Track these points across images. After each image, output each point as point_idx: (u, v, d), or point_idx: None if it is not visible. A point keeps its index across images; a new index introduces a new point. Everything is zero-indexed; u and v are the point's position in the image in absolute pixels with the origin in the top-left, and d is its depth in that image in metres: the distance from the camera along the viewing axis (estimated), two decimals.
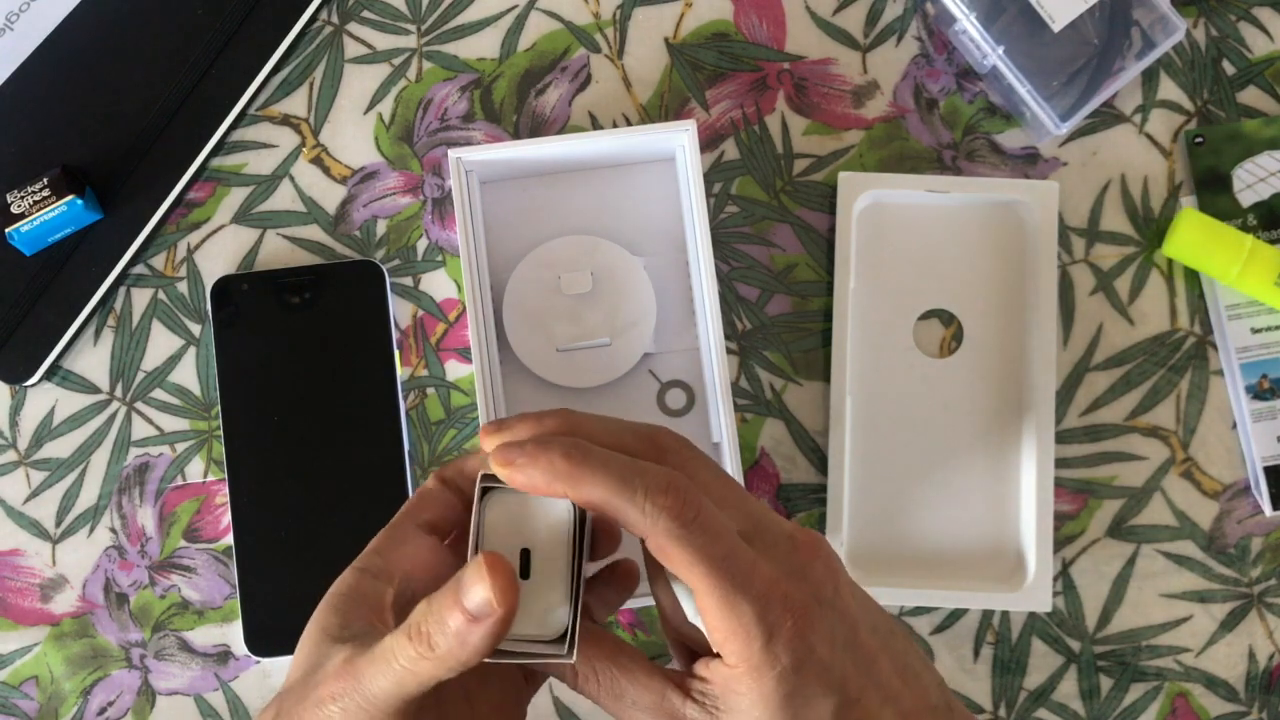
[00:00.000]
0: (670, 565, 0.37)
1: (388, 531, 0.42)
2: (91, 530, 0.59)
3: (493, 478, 0.39)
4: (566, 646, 0.39)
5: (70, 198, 0.56)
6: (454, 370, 0.59)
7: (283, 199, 0.60)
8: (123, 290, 0.60)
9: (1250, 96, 0.60)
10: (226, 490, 0.58)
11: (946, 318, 0.60)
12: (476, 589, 0.36)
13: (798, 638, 0.37)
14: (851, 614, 0.39)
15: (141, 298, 0.60)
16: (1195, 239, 0.58)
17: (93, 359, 0.59)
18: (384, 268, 0.59)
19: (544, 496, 0.39)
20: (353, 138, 0.60)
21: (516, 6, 0.60)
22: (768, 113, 0.60)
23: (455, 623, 0.37)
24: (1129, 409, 0.59)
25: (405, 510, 0.43)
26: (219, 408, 0.58)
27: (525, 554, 0.39)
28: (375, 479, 0.58)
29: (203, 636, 0.58)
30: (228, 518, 0.58)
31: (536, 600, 0.39)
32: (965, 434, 0.59)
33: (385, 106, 0.60)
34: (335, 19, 0.60)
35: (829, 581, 0.39)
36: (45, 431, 0.59)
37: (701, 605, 0.37)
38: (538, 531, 0.39)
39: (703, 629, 0.38)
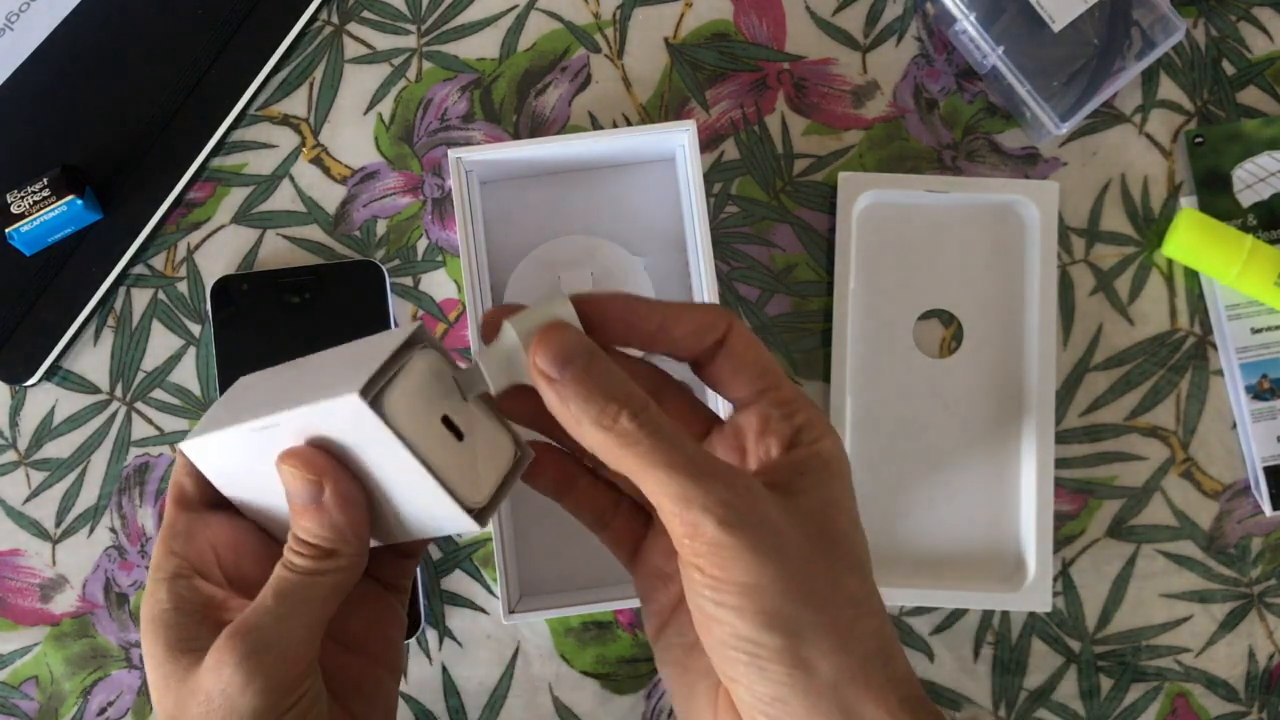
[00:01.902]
0: (757, 353, 0.38)
1: (168, 530, 0.40)
2: (91, 530, 0.59)
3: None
4: (478, 514, 0.38)
5: (70, 198, 0.56)
6: None
7: (283, 199, 0.60)
8: (123, 290, 0.60)
9: (1250, 96, 0.60)
10: None
11: (946, 318, 0.60)
12: (293, 484, 0.37)
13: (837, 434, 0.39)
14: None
15: (141, 298, 0.60)
16: (1195, 239, 0.58)
17: (93, 359, 0.59)
18: (384, 268, 0.59)
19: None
20: (353, 138, 0.60)
21: (516, 6, 0.60)
22: (768, 113, 0.60)
23: (306, 522, 0.37)
24: (1129, 409, 0.59)
25: (173, 499, 0.41)
26: None
27: (447, 420, 0.38)
28: None
29: None
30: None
31: (467, 462, 0.38)
32: (965, 434, 0.59)
33: (385, 106, 0.60)
34: (335, 19, 0.60)
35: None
36: (45, 431, 0.59)
37: (776, 395, 0.38)
38: (453, 394, 0.38)
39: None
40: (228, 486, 0.41)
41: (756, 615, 0.34)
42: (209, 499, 0.41)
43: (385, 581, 0.43)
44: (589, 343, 0.35)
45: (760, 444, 0.39)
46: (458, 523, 0.38)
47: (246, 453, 0.39)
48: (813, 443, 0.37)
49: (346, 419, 0.37)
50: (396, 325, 0.59)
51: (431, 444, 0.37)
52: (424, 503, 0.38)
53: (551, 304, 0.37)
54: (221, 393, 0.58)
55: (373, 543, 0.40)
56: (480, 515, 0.38)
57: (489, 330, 0.37)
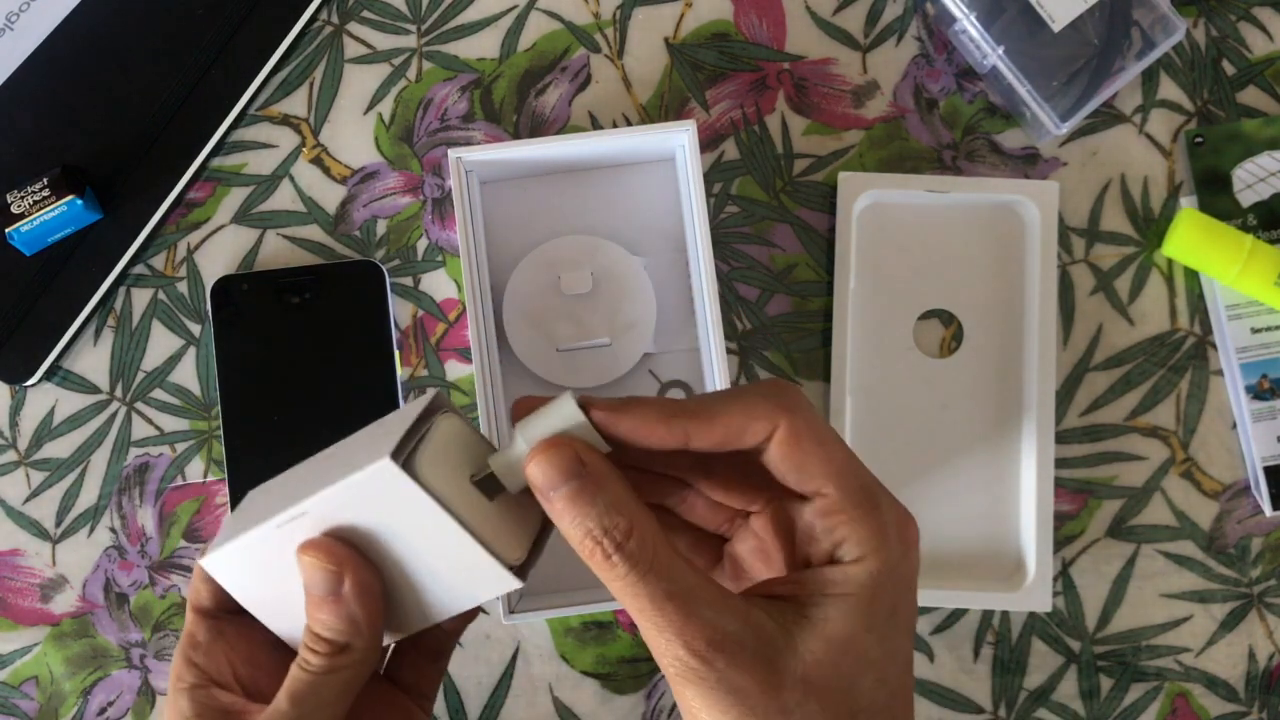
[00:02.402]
0: (803, 456, 0.36)
1: (188, 640, 0.40)
2: (91, 530, 0.59)
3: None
4: (519, 570, 0.37)
5: (70, 198, 0.56)
6: (454, 370, 0.59)
7: (283, 199, 0.60)
8: (123, 290, 0.60)
9: (1250, 96, 0.60)
10: (226, 490, 0.58)
11: (946, 318, 0.60)
12: (312, 575, 0.37)
13: (910, 558, 0.36)
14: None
15: (141, 298, 0.60)
16: (1195, 239, 0.58)
17: (93, 359, 0.59)
18: (384, 268, 0.59)
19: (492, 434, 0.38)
20: (353, 138, 0.60)
21: (516, 6, 0.60)
22: (768, 113, 0.60)
23: (323, 615, 0.37)
24: (1129, 409, 0.59)
25: (191, 607, 0.41)
26: (219, 408, 0.58)
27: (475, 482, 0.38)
28: None
29: None
30: (228, 518, 0.58)
31: (501, 521, 0.38)
32: (965, 434, 0.59)
33: (385, 106, 0.60)
34: (335, 19, 0.60)
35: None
36: (45, 431, 0.59)
37: (824, 504, 0.36)
38: (478, 458, 0.38)
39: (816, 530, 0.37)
40: (247, 597, 0.41)
41: None
42: (227, 604, 0.41)
43: (410, 687, 0.43)
44: (580, 466, 0.35)
45: (786, 552, 0.39)
46: (497, 581, 0.37)
47: (267, 555, 0.39)
48: (852, 562, 0.36)
49: (377, 489, 0.37)
50: (396, 325, 0.59)
51: (465, 503, 0.37)
52: (460, 566, 0.38)
53: (560, 408, 0.36)
54: (221, 393, 0.58)
55: (399, 636, 0.40)
56: (520, 571, 0.38)
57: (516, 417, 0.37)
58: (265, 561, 0.40)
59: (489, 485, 0.38)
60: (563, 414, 0.36)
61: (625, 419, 0.36)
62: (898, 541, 0.36)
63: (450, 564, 0.38)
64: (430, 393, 0.39)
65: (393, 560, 0.39)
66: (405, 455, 0.37)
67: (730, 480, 0.40)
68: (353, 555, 0.37)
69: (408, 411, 0.39)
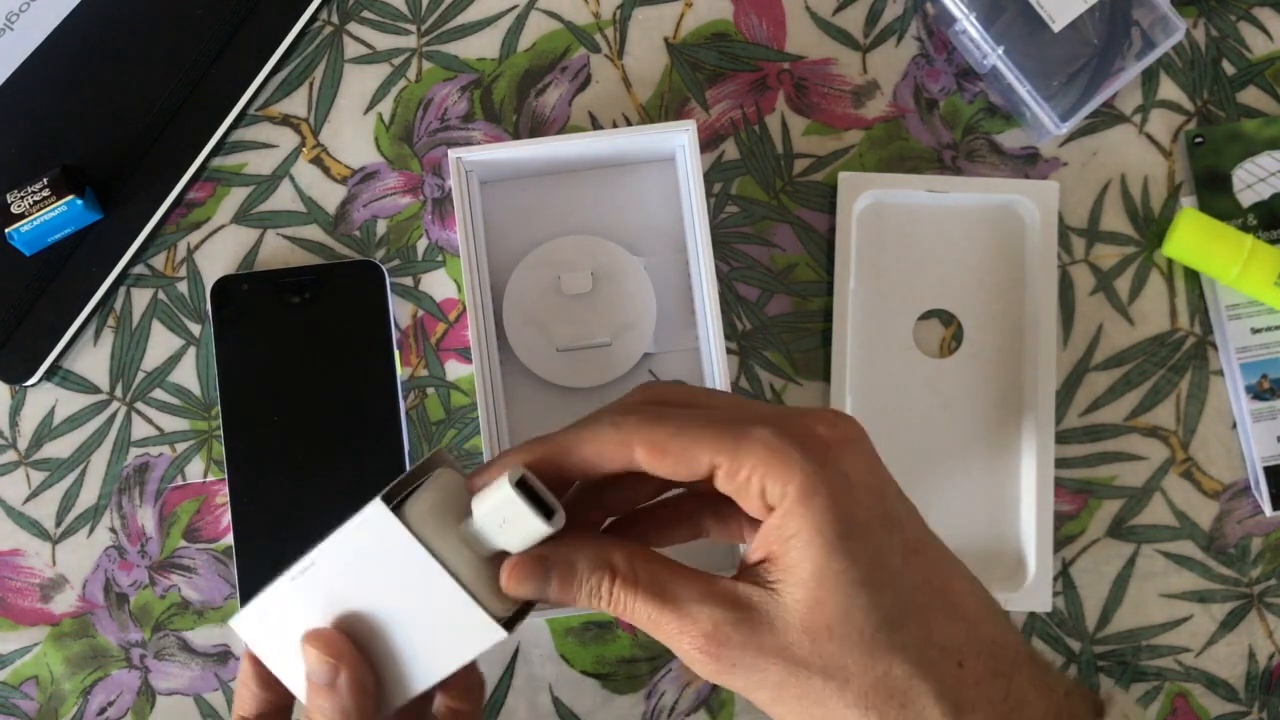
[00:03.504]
0: (673, 463, 0.37)
1: None
2: (91, 530, 0.59)
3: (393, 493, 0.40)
4: (506, 623, 0.39)
5: (70, 198, 0.56)
6: (454, 370, 0.59)
7: (283, 199, 0.60)
8: (123, 290, 0.60)
9: (1250, 96, 0.60)
10: (226, 490, 0.58)
11: (946, 318, 0.60)
12: (313, 665, 0.39)
13: (837, 460, 0.37)
14: (890, 481, 0.39)
15: (141, 298, 0.60)
16: (1195, 239, 0.58)
17: (93, 359, 0.59)
18: (384, 268, 0.59)
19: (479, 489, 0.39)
20: (353, 138, 0.60)
21: (516, 6, 0.60)
22: (768, 113, 0.60)
23: (320, 702, 0.39)
24: (1129, 409, 0.59)
25: (236, 715, 0.44)
26: (219, 408, 0.58)
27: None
28: (375, 479, 0.57)
29: (203, 636, 0.58)
30: (228, 518, 0.58)
31: (491, 576, 0.39)
32: (965, 434, 0.59)
33: (385, 106, 0.60)
34: (335, 19, 0.60)
35: (861, 452, 0.39)
36: (45, 431, 0.59)
37: (723, 472, 0.37)
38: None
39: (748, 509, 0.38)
40: (269, 655, 0.43)
41: (767, 706, 0.37)
42: (268, 711, 0.44)
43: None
44: (544, 567, 0.39)
45: (737, 528, 0.42)
46: (483, 632, 0.39)
47: (284, 611, 0.41)
48: (779, 504, 0.37)
49: (371, 535, 0.38)
50: (396, 325, 0.59)
51: (453, 551, 0.38)
52: (447, 619, 0.39)
53: (498, 496, 0.38)
54: (221, 393, 0.58)
55: (390, 711, 0.41)
56: (508, 624, 0.39)
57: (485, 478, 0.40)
58: (283, 618, 0.41)
59: (482, 546, 0.39)
60: (500, 499, 0.38)
61: (549, 468, 0.40)
62: (804, 454, 0.36)
63: (438, 616, 0.39)
64: (434, 449, 0.41)
65: (386, 618, 0.40)
66: (397, 501, 0.38)
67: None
68: (350, 650, 0.40)
69: (415, 466, 0.41)
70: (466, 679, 0.46)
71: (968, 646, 0.36)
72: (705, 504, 0.43)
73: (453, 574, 0.38)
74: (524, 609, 0.40)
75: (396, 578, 0.39)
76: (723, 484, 0.38)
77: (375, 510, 0.38)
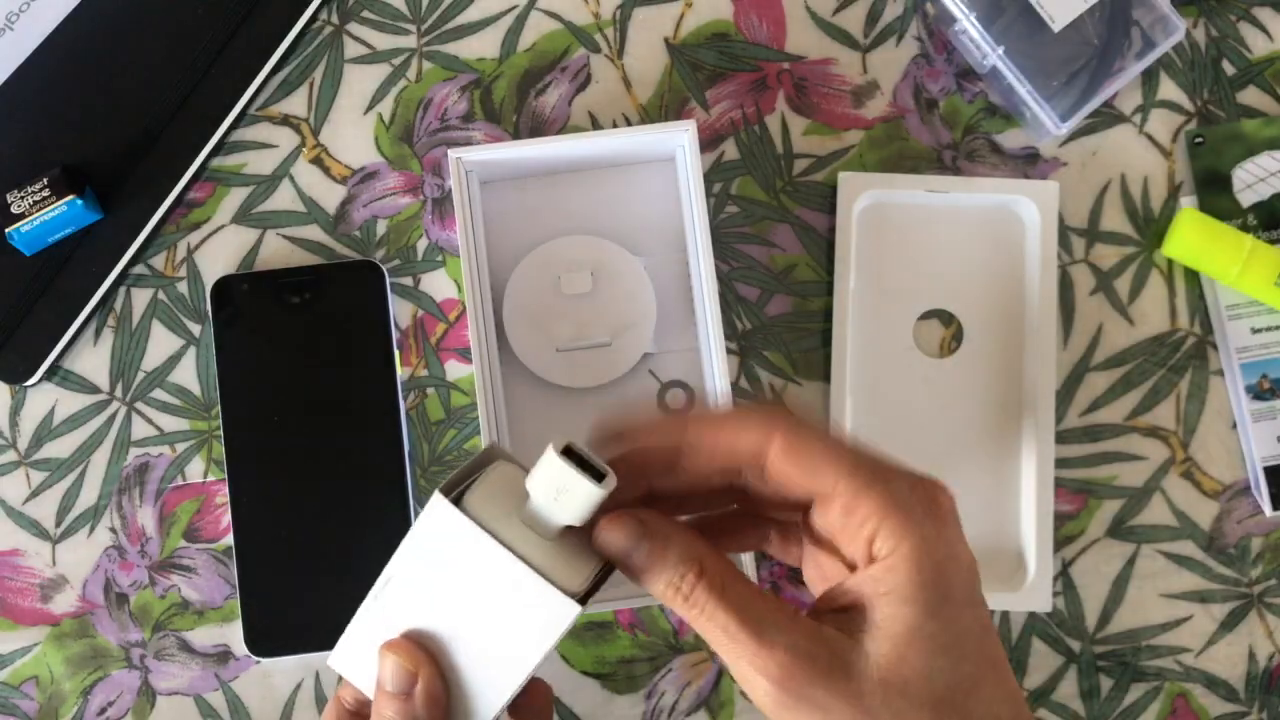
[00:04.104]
0: (808, 453, 0.37)
1: None
2: (91, 530, 0.59)
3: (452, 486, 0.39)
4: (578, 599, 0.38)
5: (70, 198, 0.56)
6: (454, 370, 0.59)
7: (283, 199, 0.60)
8: (123, 290, 0.60)
9: (1250, 96, 0.60)
10: (226, 490, 0.58)
11: (946, 318, 0.60)
12: (389, 671, 0.39)
13: (944, 528, 0.37)
14: (974, 559, 0.39)
15: (141, 298, 0.60)
16: (1195, 239, 0.58)
17: (93, 359, 0.59)
18: (384, 268, 0.59)
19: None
20: (353, 138, 0.60)
21: (516, 6, 0.60)
22: (768, 113, 0.60)
23: (389, 711, 0.39)
24: (1129, 409, 0.59)
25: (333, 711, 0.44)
26: (219, 408, 0.58)
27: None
28: (375, 479, 0.58)
29: (203, 636, 0.58)
30: (228, 518, 0.58)
31: (558, 556, 0.39)
32: (965, 434, 0.59)
33: (385, 106, 0.60)
34: (335, 19, 0.60)
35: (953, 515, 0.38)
36: (45, 431, 0.59)
37: (842, 503, 0.37)
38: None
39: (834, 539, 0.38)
40: (366, 683, 0.42)
41: None
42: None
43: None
44: (643, 529, 0.38)
45: (826, 568, 0.40)
46: (559, 609, 0.38)
47: (372, 634, 0.41)
48: (889, 554, 0.37)
49: (436, 533, 0.38)
50: (396, 325, 0.59)
51: (518, 537, 0.38)
52: (520, 603, 0.38)
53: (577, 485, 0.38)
54: (221, 393, 0.58)
55: None
56: (583, 599, 0.38)
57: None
58: (371, 641, 0.41)
59: (545, 528, 0.39)
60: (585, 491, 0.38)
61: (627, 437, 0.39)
62: (925, 516, 0.37)
63: (512, 603, 0.39)
64: (486, 445, 0.41)
65: (463, 619, 0.40)
66: (457, 493, 0.38)
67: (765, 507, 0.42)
68: (429, 662, 0.39)
69: (466, 463, 0.41)
70: (533, 696, 0.45)
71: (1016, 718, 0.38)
72: (766, 520, 0.44)
73: (519, 556, 0.38)
74: (594, 586, 0.40)
75: (466, 572, 0.39)
76: (829, 516, 0.38)
77: (436, 505, 0.38)
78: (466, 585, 0.39)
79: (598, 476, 0.37)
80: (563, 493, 0.37)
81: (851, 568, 0.38)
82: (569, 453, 0.37)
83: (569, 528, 0.39)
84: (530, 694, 0.43)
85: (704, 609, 0.37)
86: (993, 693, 0.37)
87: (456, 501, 0.38)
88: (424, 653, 0.40)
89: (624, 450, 0.39)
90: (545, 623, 0.39)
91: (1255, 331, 0.59)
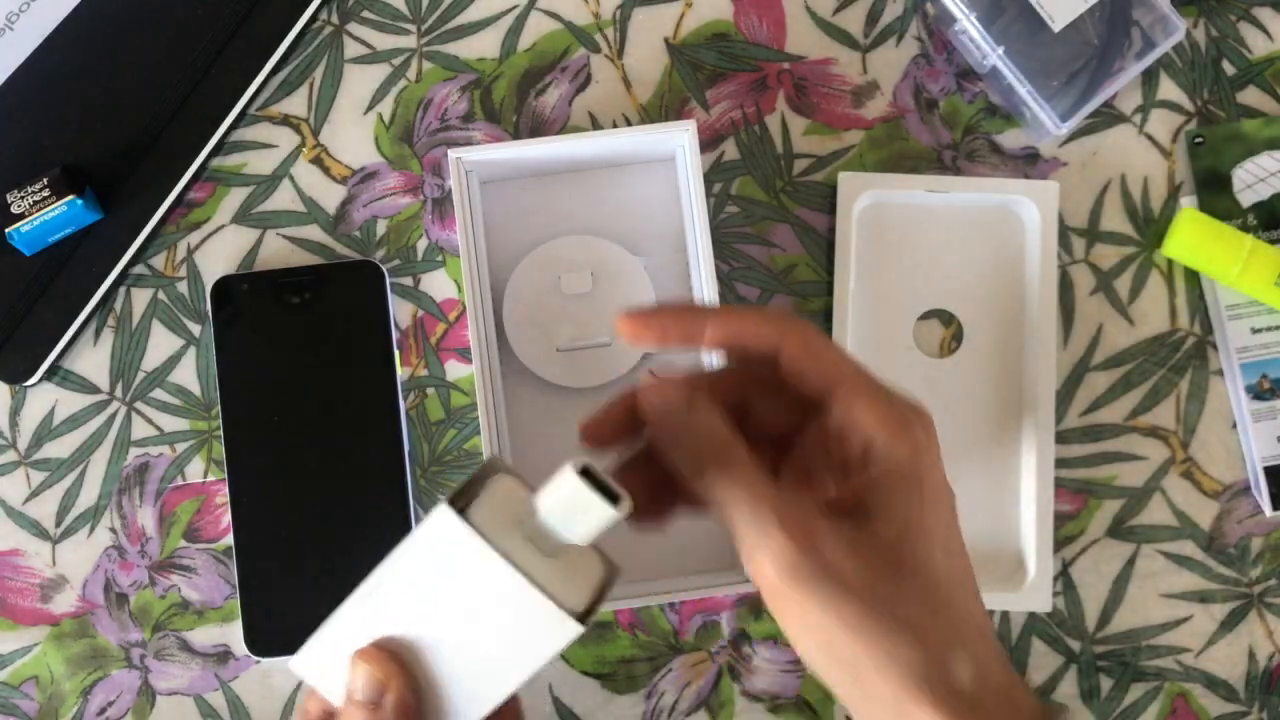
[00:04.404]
0: (819, 351, 0.39)
1: None
2: (91, 530, 0.59)
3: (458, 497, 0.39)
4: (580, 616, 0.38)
5: (70, 198, 0.56)
6: (454, 370, 0.59)
7: (283, 199, 0.60)
8: (123, 290, 0.60)
9: (1250, 96, 0.60)
10: (226, 490, 0.58)
11: (946, 318, 0.60)
12: (359, 679, 0.39)
13: (933, 433, 0.40)
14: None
15: (141, 298, 0.60)
16: (1195, 239, 0.58)
17: (93, 359, 0.59)
18: (384, 268, 0.59)
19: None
20: (353, 138, 0.60)
21: (516, 6, 0.60)
22: (768, 113, 0.60)
23: (360, 717, 0.39)
24: (1129, 409, 0.59)
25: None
26: (219, 408, 0.58)
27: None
28: (375, 479, 0.58)
29: (203, 636, 0.58)
30: (228, 518, 0.58)
31: (559, 573, 0.39)
32: (965, 434, 0.59)
33: (385, 106, 0.60)
34: (335, 19, 0.60)
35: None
36: (45, 431, 0.59)
37: (849, 404, 0.39)
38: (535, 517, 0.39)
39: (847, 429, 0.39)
40: (333, 691, 0.42)
41: (812, 650, 0.38)
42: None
43: None
44: (680, 401, 0.39)
45: (830, 466, 0.41)
46: (558, 627, 0.38)
47: (347, 640, 0.41)
48: (888, 451, 0.38)
49: (436, 543, 0.38)
50: (396, 325, 0.59)
51: (521, 551, 0.38)
52: (518, 619, 0.38)
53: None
54: (221, 393, 0.58)
55: None
56: (583, 618, 0.38)
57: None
58: (344, 648, 0.41)
59: (544, 546, 0.39)
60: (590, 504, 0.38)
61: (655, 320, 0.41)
62: (919, 427, 0.39)
63: (509, 619, 0.38)
64: (487, 457, 0.40)
65: (452, 632, 0.39)
66: (462, 505, 0.38)
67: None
68: (401, 673, 0.39)
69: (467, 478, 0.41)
70: (506, 713, 0.44)
71: (984, 624, 0.39)
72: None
73: (523, 571, 0.38)
74: (593, 606, 0.40)
75: (464, 585, 0.38)
76: (832, 415, 0.40)
77: (441, 516, 0.38)
78: (462, 598, 0.39)
79: (612, 499, 0.37)
80: (576, 512, 0.37)
81: (850, 468, 0.40)
82: (586, 473, 0.37)
83: (571, 546, 0.39)
84: (502, 710, 0.42)
85: (716, 489, 0.38)
86: (971, 599, 0.39)
87: (462, 511, 0.38)
88: (396, 663, 0.39)
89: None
90: (542, 640, 0.39)
91: (1255, 331, 0.59)
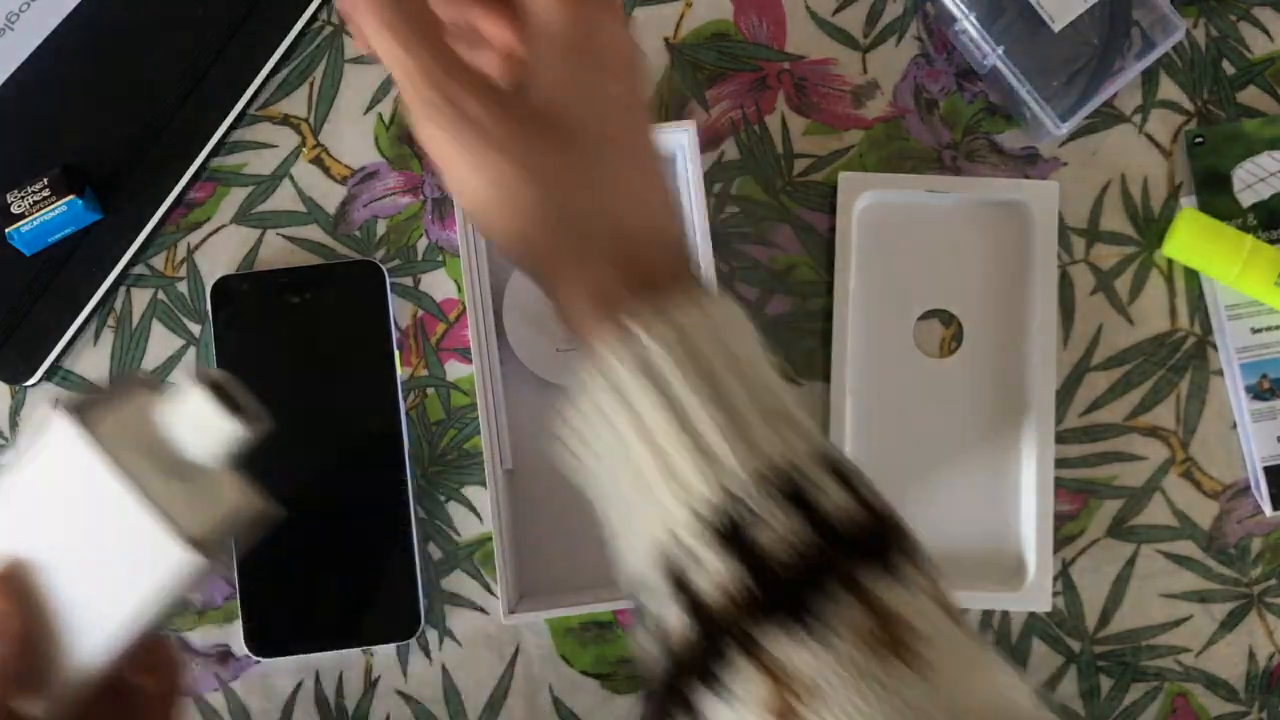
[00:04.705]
0: None
1: None
2: None
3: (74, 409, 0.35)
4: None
5: (70, 198, 0.56)
6: (454, 370, 0.59)
7: (283, 199, 0.60)
8: (123, 290, 0.60)
9: (1250, 96, 0.60)
10: None
11: (946, 318, 0.60)
12: None
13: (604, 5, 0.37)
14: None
15: (141, 298, 0.60)
16: (1195, 239, 0.58)
17: (93, 359, 0.59)
18: (384, 268, 0.59)
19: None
20: (353, 138, 0.60)
21: None
22: (768, 113, 0.60)
23: None
24: (1129, 409, 0.59)
25: None
26: None
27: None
28: (375, 479, 0.58)
29: (203, 636, 0.58)
30: None
31: (188, 498, 0.36)
32: (965, 434, 0.59)
33: (385, 106, 0.60)
34: (335, 19, 0.60)
35: None
36: None
37: None
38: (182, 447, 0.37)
39: None
40: None
41: (462, 202, 0.37)
42: None
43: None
44: None
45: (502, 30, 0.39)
46: (168, 555, 0.35)
47: None
48: (539, 13, 0.37)
49: (53, 451, 0.35)
50: (396, 325, 0.59)
51: (138, 465, 0.35)
52: (133, 542, 0.35)
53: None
54: None
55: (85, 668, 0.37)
56: (200, 547, 0.35)
57: None
58: None
59: (182, 471, 0.36)
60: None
61: None
62: None
63: (125, 540, 0.35)
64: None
65: (76, 553, 0.36)
66: (82, 412, 0.35)
67: None
68: (11, 596, 0.36)
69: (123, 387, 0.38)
70: (158, 655, 0.41)
71: (644, 192, 0.39)
72: None
73: (137, 487, 0.34)
74: (219, 539, 0.37)
75: (79, 501, 0.35)
76: None
77: (55, 421, 0.34)
78: (80, 515, 0.36)
79: (243, 416, 0.35)
80: (199, 429, 0.35)
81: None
82: (216, 388, 0.35)
83: (207, 476, 0.36)
84: (153, 650, 0.40)
85: (380, 27, 0.35)
86: (635, 171, 0.38)
87: (77, 417, 0.35)
88: (9, 588, 0.36)
89: None
90: (155, 566, 0.35)
91: (1255, 331, 0.59)
